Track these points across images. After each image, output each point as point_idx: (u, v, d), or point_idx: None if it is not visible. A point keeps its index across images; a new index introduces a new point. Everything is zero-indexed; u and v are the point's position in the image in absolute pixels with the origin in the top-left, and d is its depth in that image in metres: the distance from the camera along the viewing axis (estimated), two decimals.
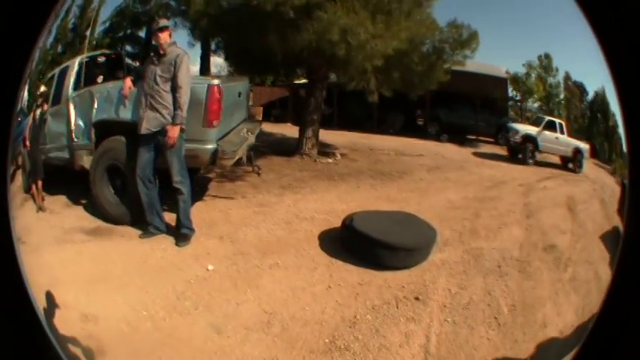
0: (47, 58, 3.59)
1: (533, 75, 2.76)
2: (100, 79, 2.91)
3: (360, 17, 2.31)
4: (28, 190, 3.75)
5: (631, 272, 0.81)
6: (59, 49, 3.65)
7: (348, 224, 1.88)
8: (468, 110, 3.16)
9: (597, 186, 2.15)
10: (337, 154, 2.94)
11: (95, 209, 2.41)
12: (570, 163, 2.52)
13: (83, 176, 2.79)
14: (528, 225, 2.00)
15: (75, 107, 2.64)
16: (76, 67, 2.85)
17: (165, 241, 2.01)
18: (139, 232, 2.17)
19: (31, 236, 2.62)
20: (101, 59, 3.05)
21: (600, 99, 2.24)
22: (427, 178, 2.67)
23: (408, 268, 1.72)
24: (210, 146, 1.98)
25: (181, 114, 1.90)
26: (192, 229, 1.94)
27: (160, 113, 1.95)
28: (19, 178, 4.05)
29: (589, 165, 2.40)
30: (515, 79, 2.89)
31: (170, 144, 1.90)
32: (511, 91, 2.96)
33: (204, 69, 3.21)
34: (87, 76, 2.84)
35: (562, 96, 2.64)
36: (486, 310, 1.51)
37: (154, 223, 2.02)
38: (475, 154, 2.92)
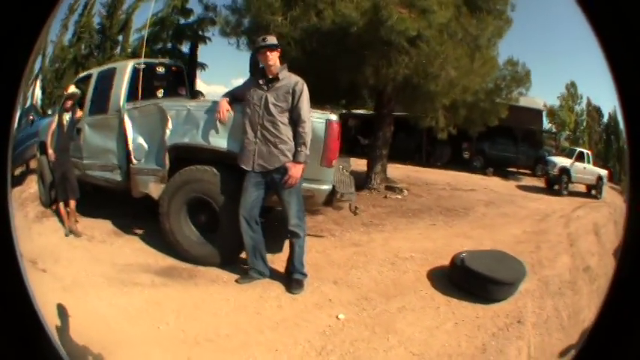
0: (66, 55, 3.36)
1: (566, 106, 2.92)
2: (160, 92, 2.47)
3: (458, 52, 2.32)
4: (49, 204, 3.14)
5: (628, 275, 0.84)
6: (83, 49, 3.43)
7: (459, 264, 1.98)
8: (510, 143, 3.35)
9: (612, 209, 2.50)
10: (403, 189, 2.98)
11: (169, 246, 2.12)
12: (593, 189, 2.75)
13: (138, 202, 2.42)
14: (572, 252, 2.39)
15: (133, 122, 2.20)
16: (128, 73, 2.39)
17: (273, 288, 1.83)
18: (227, 274, 1.96)
19: (61, 267, 2.19)
20: (160, 69, 2.58)
21: (613, 120, 2.23)
22: (488, 213, 2.90)
23: (506, 299, 1.94)
24: (327, 187, 1.88)
25: (306, 151, 1.71)
26: (305, 274, 1.81)
27: (278, 149, 1.76)
28: (32, 185, 3.30)
29: (607, 189, 2.70)
30: (552, 112, 3.07)
31: (292, 184, 1.71)
32: (547, 124, 3.16)
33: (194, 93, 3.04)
34: (143, 87, 2.38)
35: (585, 123, 2.79)
36: (557, 321, 1.87)
37: (257, 267, 1.84)
38: (518, 187, 3.19)
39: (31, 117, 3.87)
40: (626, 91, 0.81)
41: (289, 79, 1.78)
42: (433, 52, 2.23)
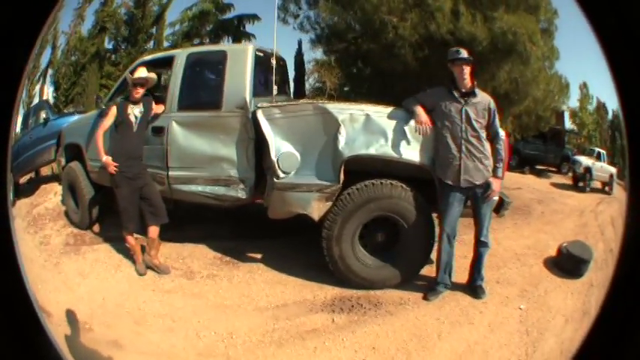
0: (86, 48, 2.94)
1: (582, 107, 3.12)
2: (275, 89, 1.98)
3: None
4: (88, 226, 2.53)
5: (629, 270, 0.84)
6: (107, 42, 3.03)
7: (565, 252, 2.35)
8: (540, 143, 3.52)
9: (620, 204, 3.05)
10: None
11: (336, 273, 1.87)
12: (606, 186, 3.02)
13: (240, 219, 2.18)
14: (603, 239, 2.85)
15: (273, 125, 1.70)
16: (250, 60, 1.84)
17: (463, 299, 1.87)
18: (406, 293, 1.85)
19: (154, 336, 1.80)
20: (273, 61, 2.03)
21: (617, 118, 2.28)
22: (545, 211, 3.33)
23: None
24: (497, 197, 1.91)
25: (504, 167, 1.68)
26: (483, 279, 1.85)
27: (483, 164, 1.78)
28: (47, 198, 2.73)
29: (616, 186, 3.11)
30: (575, 113, 3.22)
31: (492, 198, 1.66)
32: (570, 124, 3.39)
33: (300, 92, 3.00)
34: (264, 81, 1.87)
35: (594, 121, 2.94)
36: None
37: (445, 281, 1.87)
38: (552, 184, 3.64)
39: (44, 116, 2.95)
40: (626, 90, 0.82)
41: (482, 95, 1.79)
42: (535, 72, 2.45)
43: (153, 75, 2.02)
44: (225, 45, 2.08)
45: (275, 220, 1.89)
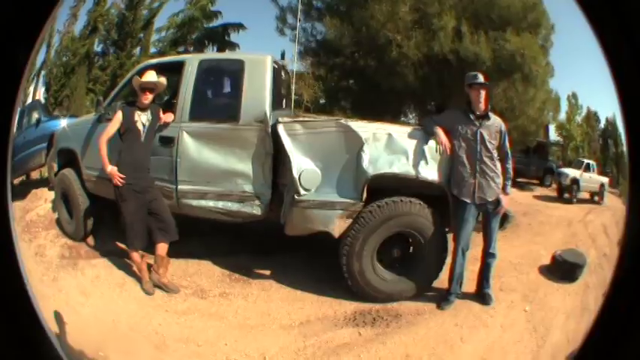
0: (77, 48, 2.82)
1: (574, 120, 3.14)
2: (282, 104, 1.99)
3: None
4: (82, 237, 2.41)
5: (630, 271, 0.86)
6: (97, 46, 2.96)
7: (560, 260, 2.59)
8: (523, 156, 3.52)
9: (613, 212, 3.20)
10: None
11: (355, 288, 1.90)
12: (595, 196, 3.02)
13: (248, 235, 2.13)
14: (595, 246, 3.05)
15: (295, 141, 1.67)
16: (269, 71, 1.77)
17: (472, 306, 1.97)
18: (420, 304, 1.92)
19: None
20: (284, 75, 1.98)
21: (611, 125, 2.37)
22: (532, 222, 3.44)
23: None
24: None
25: (510, 184, 1.80)
26: (490, 287, 2.02)
27: (495, 182, 1.91)
28: (39, 204, 2.57)
29: (607, 195, 3.23)
30: (562, 125, 3.35)
31: (501, 213, 1.79)
32: (556, 136, 3.45)
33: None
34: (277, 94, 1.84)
35: (581, 132, 2.98)
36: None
37: (456, 291, 1.98)
38: (535, 197, 3.71)
39: (36, 116, 2.79)
40: (627, 91, 0.82)
41: (495, 117, 1.92)
42: (531, 93, 2.60)
43: (163, 80, 1.90)
44: (242, 53, 1.97)
45: (281, 235, 1.87)
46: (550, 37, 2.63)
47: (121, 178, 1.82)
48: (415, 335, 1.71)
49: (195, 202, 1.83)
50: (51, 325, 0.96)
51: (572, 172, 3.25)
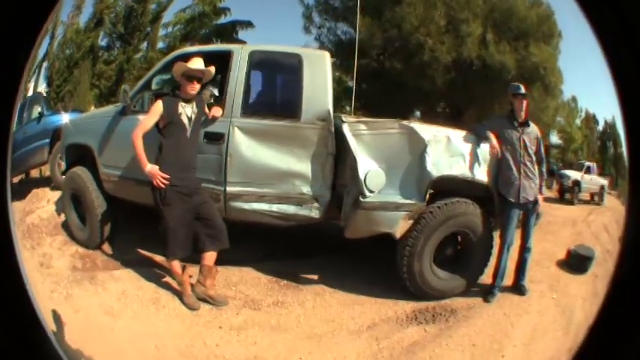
0: (82, 41, 2.63)
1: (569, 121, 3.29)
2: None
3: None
4: (98, 245, 2.14)
5: (630, 270, 0.87)
6: (101, 39, 2.78)
7: (574, 254, 2.78)
8: None
9: (612, 212, 3.34)
10: None
11: (413, 288, 1.96)
12: (596, 197, 3.13)
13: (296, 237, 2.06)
14: (599, 243, 3.21)
15: (359, 142, 1.64)
16: (329, 68, 1.78)
17: (514, 298, 2.12)
18: (467, 299, 2.05)
19: None
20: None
21: (610, 127, 2.37)
22: (541, 222, 3.91)
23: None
24: None
25: (544, 185, 2.00)
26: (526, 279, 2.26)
27: (535, 183, 2.17)
28: (40, 205, 2.22)
29: (607, 196, 3.40)
30: (562, 129, 3.33)
31: (537, 211, 1.94)
32: (557, 139, 3.51)
33: None
34: None
35: (581, 134, 3.00)
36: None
37: (500, 285, 2.17)
38: None
39: (39, 110, 2.57)
40: (627, 91, 0.83)
41: (533, 125, 2.16)
42: (547, 101, 2.85)
43: (212, 68, 1.78)
44: (295, 47, 1.85)
45: (313, 237, 1.83)
46: (559, 45, 2.88)
47: (164, 178, 1.60)
48: (474, 327, 1.90)
49: (246, 206, 1.73)
50: (51, 326, 0.93)
51: (573, 175, 3.36)
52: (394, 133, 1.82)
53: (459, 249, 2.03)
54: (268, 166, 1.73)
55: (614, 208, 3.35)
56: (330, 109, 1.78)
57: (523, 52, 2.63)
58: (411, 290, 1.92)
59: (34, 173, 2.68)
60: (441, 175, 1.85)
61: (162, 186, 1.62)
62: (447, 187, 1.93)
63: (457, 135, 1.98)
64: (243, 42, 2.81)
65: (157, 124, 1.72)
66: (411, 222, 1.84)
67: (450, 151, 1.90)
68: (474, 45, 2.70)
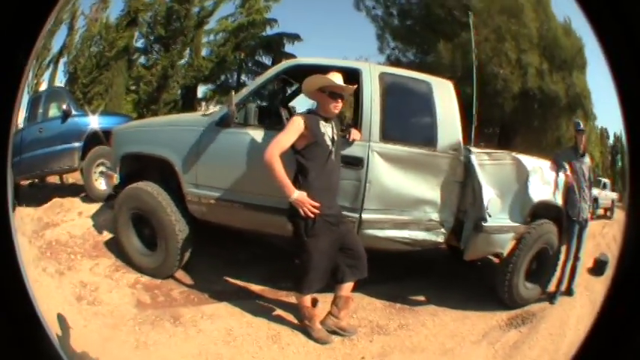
0: (115, 39, 2.31)
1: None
2: None
3: None
4: (171, 274, 1.85)
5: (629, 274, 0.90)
6: (136, 40, 2.44)
7: (599, 261, 3.27)
8: None
9: (619, 225, 4.31)
10: None
11: (509, 301, 2.21)
12: (608, 212, 3.19)
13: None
14: (610, 252, 4.07)
15: (482, 170, 1.72)
16: (454, 98, 1.79)
17: (564, 299, 2.47)
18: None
19: None
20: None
21: (618, 141, 2.42)
22: None
23: None
24: None
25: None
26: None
27: (588, 205, 2.57)
28: (57, 221, 1.79)
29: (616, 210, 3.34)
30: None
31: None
32: None
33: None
34: None
35: (598, 151, 3.02)
36: None
37: (561, 290, 2.60)
38: None
39: (64, 108, 2.18)
40: (627, 92, 0.84)
41: (587, 156, 2.66)
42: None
43: (353, 86, 1.71)
44: (422, 74, 1.83)
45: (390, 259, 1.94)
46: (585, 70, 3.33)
47: (314, 207, 1.42)
48: (550, 324, 2.38)
49: (380, 233, 1.77)
50: (52, 326, 0.93)
51: (593, 193, 3.52)
52: (507, 163, 2.20)
53: (539, 262, 2.42)
54: (405, 194, 1.84)
55: (620, 220, 4.64)
56: (460, 139, 1.99)
57: (568, 80, 3.05)
58: (506, 302, 2.29)
59: (52, 179, 2.24)
60: (539, 201, 2.28)
61: (312, 215, 1.54)
62: (538, 211, 2.35)
63: (545, 165, 2.45)
64: (292, 56, 2.77)
65: (296, 144, 1.60)
66: (514, 242, 2.25)
67: (543, 179, 2.38)
68: (532, 75, 3.10)
